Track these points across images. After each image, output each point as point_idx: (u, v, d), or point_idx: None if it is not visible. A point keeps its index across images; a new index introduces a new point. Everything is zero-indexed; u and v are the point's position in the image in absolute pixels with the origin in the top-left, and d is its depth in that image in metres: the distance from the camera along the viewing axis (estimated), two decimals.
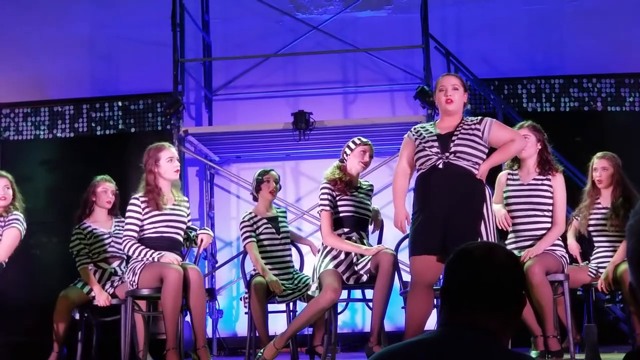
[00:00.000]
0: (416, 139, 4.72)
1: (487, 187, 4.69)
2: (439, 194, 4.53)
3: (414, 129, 4.81)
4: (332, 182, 5.37)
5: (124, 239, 5.25)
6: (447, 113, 4.71)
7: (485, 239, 4.49)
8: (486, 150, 4.67)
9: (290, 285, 5.87)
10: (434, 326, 5.59)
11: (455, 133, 4.64)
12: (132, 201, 5.30)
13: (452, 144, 4.59)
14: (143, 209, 5.26)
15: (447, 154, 4.57)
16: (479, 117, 4.76)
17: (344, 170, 5.43)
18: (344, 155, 5.48)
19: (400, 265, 5.40)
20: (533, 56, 8.24)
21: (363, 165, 5.47)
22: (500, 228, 5.15)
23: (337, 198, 5.36)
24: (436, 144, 4.62)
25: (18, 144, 8.36)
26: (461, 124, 4.69)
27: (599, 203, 5.67)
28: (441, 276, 5.58)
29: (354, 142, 5.48)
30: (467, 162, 4.58)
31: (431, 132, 4.70)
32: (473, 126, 4.67)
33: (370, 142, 5.51)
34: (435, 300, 4.83)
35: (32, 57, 8.42)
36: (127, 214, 5.29)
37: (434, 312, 5.16)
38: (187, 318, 5.31)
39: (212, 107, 8.39)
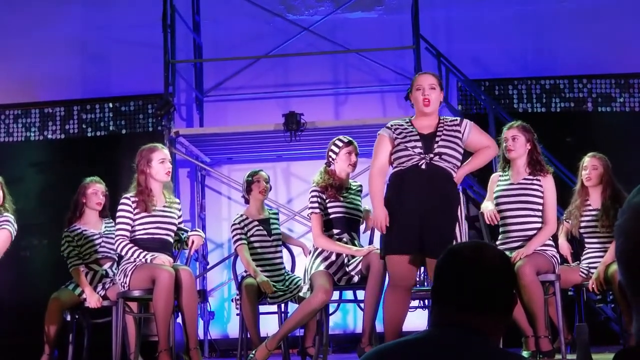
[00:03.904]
0: (396, 137, 4.68)
1: (460, 191, 4.74)
2: (417, 193, 4.51)
3: (392, 125, 4.74)
4: (322, 188, 5.36)
5: (116, 238, 5.23)
6: (424, 113, 4.70)
7: (459, 241, 4.48)
8: (462, 152, 4.68)
9: (282, 287, 5.85)
10: (413, 327, 5.59)
11: (438, 134, 4.63)
12: (123, 201, 5.29)
13: (435, 145, 4.58)
14: (134, 209, 5.25)
15: (431, 155, 4.57)
16: (458, 118, 4.80)
17: (333, 175, 5.41)
18: (330, 159, 5.47)
19: None
20: (524, 57, 8.25)
21: (352, 166, 5.46)
22: (488, 223, 5.18)
23: (327, 200, 5.35)
24: (419, 144, 4.59)
25: (8, 146, 8.33)
26: (441, 124, 4.68)
27: (589, 205, 5.68)
28: (422, 276, 5.63)
29: (336, 145, 5.45)
30: (448, 164, 4.59)
31: (412, 131, 4.66)
32: (454, 127, 4.67)
33: (353, 140, 5.49)
34: (426, 301, 4.83)
35: (23, 58, 8.39)
36: (119, 213, 5.27)
37: (419, 314, 5.17)
38: (179, 320, 5.30)
39: (203, 108, 8.37)
